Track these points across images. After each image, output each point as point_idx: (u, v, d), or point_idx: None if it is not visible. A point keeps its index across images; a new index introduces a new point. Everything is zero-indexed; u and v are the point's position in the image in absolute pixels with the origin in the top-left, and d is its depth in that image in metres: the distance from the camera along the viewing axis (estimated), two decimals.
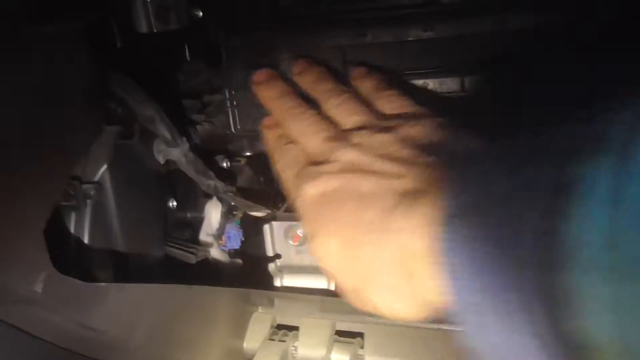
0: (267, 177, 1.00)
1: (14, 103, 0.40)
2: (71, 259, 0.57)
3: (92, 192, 0.62)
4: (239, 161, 0.94)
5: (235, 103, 0.74)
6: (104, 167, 0.65)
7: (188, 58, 0.88)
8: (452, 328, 0.69)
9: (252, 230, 0.94)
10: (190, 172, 0.74)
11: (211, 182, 0.76)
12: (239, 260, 0.99)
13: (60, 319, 0.49)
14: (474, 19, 0.66)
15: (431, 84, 0.67)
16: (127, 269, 0.70)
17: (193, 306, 0.69)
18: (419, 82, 0.68)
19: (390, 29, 0.69)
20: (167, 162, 0.80)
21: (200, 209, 0.93)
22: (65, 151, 0.50)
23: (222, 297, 0.76)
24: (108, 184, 0.65)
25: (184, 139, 0.73)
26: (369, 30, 0.69)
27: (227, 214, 0.87)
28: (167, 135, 0.70)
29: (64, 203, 0.58)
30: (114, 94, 0.63)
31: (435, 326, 0.70)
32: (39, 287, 0.46)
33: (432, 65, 0.68)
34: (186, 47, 0.88)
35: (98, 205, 0.64)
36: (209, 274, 0.95)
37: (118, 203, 0.67)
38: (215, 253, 0.94)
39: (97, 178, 0.64)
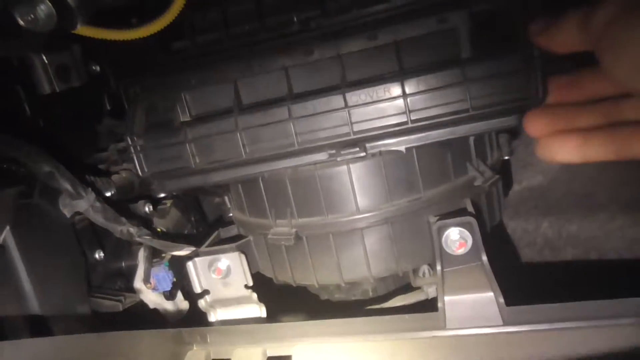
0: (197, 217, 1.02)
1: None
2: None
3: None
4: (165, 204, 0.96)
5: (138, 148, 0.76)
6: (6, 229, 0.66)
7: (102, 110, 0.91)
8: (388, 337, 0.70)
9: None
10: (99, 221, 0.75)
11: (123, 228, 0.77)
12: (185, 303, 0.99)
13: None
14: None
15: (317, 104, 0.70)
16: (49, 328, 0.70)
17: (115, 354, 0.69)
18: (305, 104, 0.70)
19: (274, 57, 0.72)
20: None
21: (134, 256, 0.94)
22: None
23: (151, 341, 0.76)
24: (12, 246, 0.66)
25: (89, 189, 0.75)
26: (255, 62, 0.72)
27: (151, 258, 0.87)
28: (69, 188, 0.71)
29: None
30: (4, 155, 0.65)
31: (367, 337, 0.72)
32: None
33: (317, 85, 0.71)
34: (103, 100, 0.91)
35: (4, 269, 0.65)
36: (148, 319, 0.95)
37: (26, 263, 0.67)
38: (152, 298, 0.94)
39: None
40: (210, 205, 1.06)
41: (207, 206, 1.07)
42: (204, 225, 1.05)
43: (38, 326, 0.67)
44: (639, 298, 0.62)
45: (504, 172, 0.90)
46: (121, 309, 0.81)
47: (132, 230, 0.78)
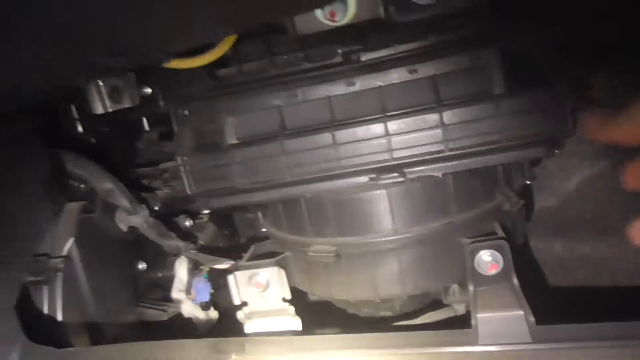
0: (230, 231, 1.07)
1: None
2: (46, 329, 0.62)
3: (61, 266, 0.67)
4: (202, 219, 1.01)
5: (187, 167, 0.81)
6: (71, 241, 0.70)
7: (147, 129, 0.96)
8: (421, 351, 0.75)
9: (222, 282, 1.00)
10: (151, 235, 0.80)
11: (172, 243, 0.82)
12: (215, 313, 1.04)
13: None
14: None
15: (359, 131, 0.75)
16: (103, 334, 0.74)
17: None
18: (347, 131, 0.76)
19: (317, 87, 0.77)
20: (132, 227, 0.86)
21: (170, 267, 0.98)
22: (28, 233, 0.56)
23: (192, 350, 0.81)
24: (76, 256, 0.71)
25: (143, 206, 0.80)
26: (299, 90, 0.78)
27: (193, 270, 0.92)
28: (127, 204, 0.76)
29: (33, 278, 0.63)
30: (72, 173, 0.70)
31: (400, 351, 0.76)
32: (15, 357, 0.50)
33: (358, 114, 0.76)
34: (143, 120, 0.96)
35: (68, 277, 0.70)
36: (184, 329, 0.99)
37: (87, 273, 0.72)
38: (188, 308, 0.99)
39: (65, 252, 0.70)
40: (241, 220, 1.11)
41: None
42: (235, 239, 1.09)
43: (95, 331, 0.72)
44: None
45: (527, 196, 0.95)
46: (166, 318, 0.85)
47: (180, 244, 0.82)
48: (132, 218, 0.78)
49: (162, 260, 0.99)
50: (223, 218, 1.05)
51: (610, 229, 1.13)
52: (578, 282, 1.16)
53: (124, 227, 0.79)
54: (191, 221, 0.96)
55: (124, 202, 0.76)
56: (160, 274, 0.99)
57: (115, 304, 0.78)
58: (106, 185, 0.73)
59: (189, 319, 1.00)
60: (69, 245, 0.69)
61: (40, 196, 0.60)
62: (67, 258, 0.68)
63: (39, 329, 0.60)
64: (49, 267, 0.66)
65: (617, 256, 1.13)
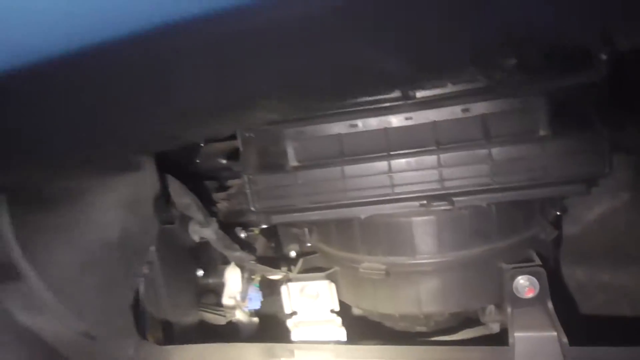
0: (277, 244, 1.15)
1: (112, 212, 0.55)
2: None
3: (146, 270, 0.75)
4: (253, 231, 1.09)
5: (253, 185, 0.89)
6: (153, 248, 0.78)
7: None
8: None
9: (267, 290, 1.07)
10: (219, 247, 0.88)
11: (237, 254, 0.90)
12: (256, 319, 1.12)
13: None
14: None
15: (413, 161, 0.83)
16: (172, 332, 0.82)
17: None
18: (402, 160, 0.84)
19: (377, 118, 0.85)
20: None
21: (221, 275, 1.06)
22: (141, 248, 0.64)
23: (251, 352, 0.88)
24: (156, 262, 0.78)
25: (214, 219, 0.88)
26: (359, 122, 0.86)
27: (249, 279, 1.00)
28: (201, 218, 0.84)
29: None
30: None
31: None
32: (132, 350, 0.58)
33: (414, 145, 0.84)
34: None
35: (149, 280, 0.77)
36: (227, 332, 1.07)
37: (164, 276, 0.80)
38: (240, 314, 1.06)
39: (148, 258, 0.78)
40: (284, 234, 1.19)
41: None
42: (279, 251, 1.17)
43: (167, 330, 0.79)
44: None
45: (557, 226, 1.02)
46: (224, 322, 0.93)
47: (243, 255, 0.90)
48: (205, 230, 0.86)
49: (214, 268, 1.06)
50: (270, 231, 1.13)
51: (629, 258, 1.19)
52: (597, 307, 1.22)
53: (196, 238, 0.87)
54: (245, 233, 1.04)
55: (199, 215, 0.84)
56: (211, 280, 1.06)
57: (183, 306, 0.86)
58: (185, 200, 0.81)
59: (232, 324, 1.08)
60: (152, 251, 0.76)
61: (149, 211, 0.68)
62: (150, 263, 0.76)
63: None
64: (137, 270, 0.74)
65: (636, 285, 1.19)
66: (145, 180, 0.70)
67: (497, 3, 0.33)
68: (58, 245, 0.54)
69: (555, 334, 0.79)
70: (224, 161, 0.94)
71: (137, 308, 0.64)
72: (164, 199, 0.76)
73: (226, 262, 1.07)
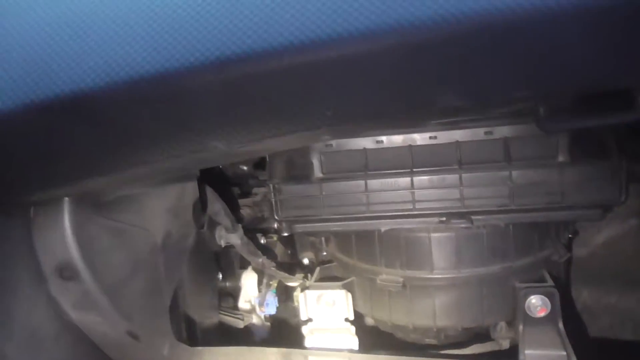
0: (292, 251, 1.18)
1: (159, 217, 0.58)
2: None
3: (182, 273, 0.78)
4: (272, 237, 1.12)
5: (278, 195, 0.92)
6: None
7: None
8: None
9: (283, 296, 1.10)
10: (244, 252, 0.91)
11: (259, 260, 0.93)
12: (268, 324, 1.14)
13: None
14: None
15: (435, 179, 0.86)
16: (196, 333, 0.85)
17: None
18: (425, 177, 0.87)
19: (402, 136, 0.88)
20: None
21: (238, 279, 1.09)
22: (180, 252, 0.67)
23: (270, 356, 0.91)
24: (187, 265, 0.81)
25: (240, 225, 0.91)
26: (384, 137, 0.89)
27: (268, 284, 1.03)
28: (228, 223, 0.87)
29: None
30: None
31: None
32: (166, 351, 0.61)
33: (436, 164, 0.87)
34: None
35: (180, 283, 0.80)
36: (241, 336, 1.09)
37: (191, 279, 0.83)
38: (256, 318, 1.09)
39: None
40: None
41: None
42: (295, 258, 1.20)
43: (191, 332, 0.82)
44: None
45: (569, 248, 1.05)
46: (242, 326, 0.96)
47: (265, 262, 0.93)
48: (231, 236, 0.88)
49: (233, 272, 1.09)
50: (288, 239, 1.16)
51: (636, 282, 1.22)
52: (603, 329, 1.25)
53: (222, 243, 0.90)
54: (264, 239, 1.07)
55: (227, 221, 0.87)
56: (228, 284, 1.09)
57: (206, 308, 0.89)
58: (216, 206, 0.84)
59: (247, 327, 1.11)
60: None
61: (189, 216, 0.71)
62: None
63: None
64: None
65: None
66: (189, 187, 0.73)
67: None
68: (113, 248, 0.57)
69: (565, 353, 0.82)
70: (250, 170, 0.97)
71: (174, 310, 0.67)
72: (200, 205, 0.80)
73: (243, 267, 1.10)
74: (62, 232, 0.51)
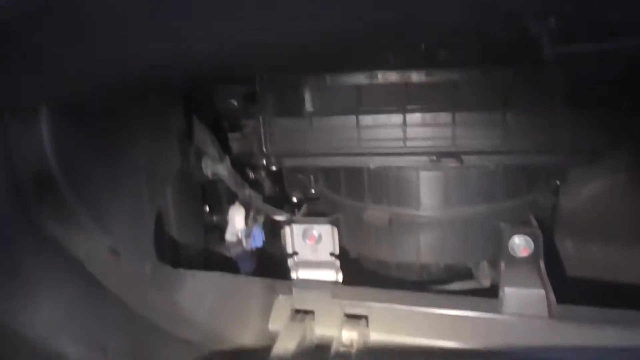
0: (281, 189, 1.17)
1: (142, 138, 0.57)
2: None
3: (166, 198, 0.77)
4: (260, 173, 1.12)
5: (268, 128, 0.91)
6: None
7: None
8: (451, 312, 0.87)
9: (271, 231, 1.11)
10: (231, 183, 0.91)
11: (246, 192, 0.93)
12: (254, 258, 1.16)
13: (158, 296, 0.65)
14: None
15: (428, 117, 0.85)
16: (179, 258, 0.85)
17: (236, 292, 0.85)
18: (417, 115, 0.86)
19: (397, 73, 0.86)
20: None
21: (225, 213, 1.09)
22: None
23: (254, 286, 0.92)
24: (172, 191, 0.81)
25: (227, 157, 0.90)
26: (379, 73, 0.87)
27: (254, 218, 1.03)
28: (215, 154, 0.86)
29: None
30: None
31: (430, 310, 0.88)
32: (148, 270, 0.61)
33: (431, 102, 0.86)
34: None
35: (164, 208, 0.80)
36: (227, 267, 1.11)
37: (177, 206, 0.82)
38: (237, 251, 1.10)
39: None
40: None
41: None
42: (283, 194, 1.20)
43: (174, 257, 0.82)
44: None
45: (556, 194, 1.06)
46: (228, 257, 0.97)
47: (252, 194, 0.93)
48: (218, 166, 0.88)
49: (220, 206, 1.09)
50: (276, 175, 1.15)
51: (618, 235, 1.25)
52: (583, 277, 1.28)
53: (209, 173, 0.89)
54: (253, 174, 1.06)
55: (213, 151, 0.86)
56: (217, 218, 1.09)
57: (191, 236, 0.89)
58: (202, 135, 0.83)
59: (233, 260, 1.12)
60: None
61: (174, 142, 0.70)
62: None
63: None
64: None
65: (620, 259, 1.25)
66: (173, 112, 0.71)
67: None
68: (92, 162, 0.56)
69: (543, 291, 0.84)
70: (240, 103, 0.95)
71: (159, 233, 0.67)
72: (186, 133, 0.78)
73: (231, 202, 1.10)
74: (40, 140, 0.49)
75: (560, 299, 0.84)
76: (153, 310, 0.67)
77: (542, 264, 0.86)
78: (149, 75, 0.49)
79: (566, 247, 1.30)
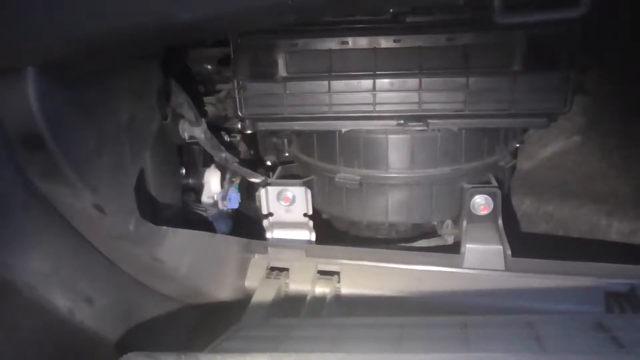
0: (256, 152, 1.21)
1: (123, 97, 0.59)
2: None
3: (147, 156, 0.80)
4: (235, 137, 1.14)
5: (242, 92, 0.93)
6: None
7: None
8: (416, 267, 0.93)
9: (246, 193, 1.15)
10: (207, 146, 0.93)
11: (223, 155, 0.96)
12: (230, 220, 1.19)
13: (141, 252, 0.69)
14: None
15: (396, 82, 0.89)
16: (158, 217, 0.88)
17: (214, 250, 0.89)
18: (386, 80, 0.90)
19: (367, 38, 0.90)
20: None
21: (201, 176, 1.12)
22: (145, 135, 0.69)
23: (231, 245, 0.96)
24: (151, 150, 0.83)
25: (203, 120, 0.92)
26: (350, 39, 0.90)
27: (230, 181, 1.06)
28: (192, 117, 0.88)
29: None
30: None
31: (399, 266, 0.94)
32: (132, 226, 0.65)
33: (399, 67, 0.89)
34: None
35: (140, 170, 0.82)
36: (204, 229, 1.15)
37: (154, 166, 0.85)
38: (213, 212, 1.14)
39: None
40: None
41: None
42: (258, 158, 1.23)
43: (154, 214, 0.85)
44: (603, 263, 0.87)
45: (515, 156, 1.12)
46: (204, 218, 1.00)
47: (229, 157, 0.96)
48: (194, 129, 0.90)
49: (196, 169, 1.12)
50: (251, 138, 1.18)
51: (572, 194, 1.33)
52: (539, 233, 1.37)
53: (185, 136, 0.91)
54: (228, 137, 1.09)
55: (190, 114, 0.88)
56: (193, 181, 1.12)
57: (168, 196, 0.92)
58: (179, 98, 0.85)
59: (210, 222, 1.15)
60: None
61: (153, 102, 0.72)
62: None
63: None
64: None
65: (572, 217, 1.34)
66: (152, 73, 0.73)
67: None
68: (78, 122, 0.58)
69: (501, 247, 0.91)
70: (214, 67, 0.97)
71: (140, 190, 0.70)
72: (165, 95, 0.80)
73: (206, 165, 1.13)
74: (27, 101, 0.51)
75: (516, 253, 0.91)
76: (136, 266, 0.71)
77: (500, 222, 0.93)
78: (128, 42, 0.51)
79: (525, 208, 1.38)
